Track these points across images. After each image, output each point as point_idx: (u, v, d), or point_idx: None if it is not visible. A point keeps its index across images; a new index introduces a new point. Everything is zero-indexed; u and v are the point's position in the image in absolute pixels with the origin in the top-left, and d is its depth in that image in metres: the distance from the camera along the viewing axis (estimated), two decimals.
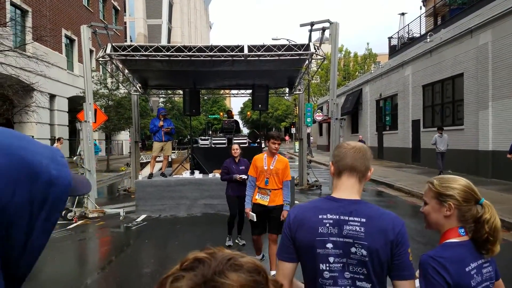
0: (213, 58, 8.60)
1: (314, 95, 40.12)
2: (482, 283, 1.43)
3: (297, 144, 20.53)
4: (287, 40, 18.96)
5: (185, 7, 65.72)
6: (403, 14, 30.14)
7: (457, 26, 14.98)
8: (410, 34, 23.81)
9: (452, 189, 1.49)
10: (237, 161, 6.08)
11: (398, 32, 26.02)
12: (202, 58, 8.59)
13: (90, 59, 9.68)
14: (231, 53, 8.49)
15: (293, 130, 39.03)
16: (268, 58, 8.64)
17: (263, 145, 13.86)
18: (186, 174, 9.55)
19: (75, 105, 19.60)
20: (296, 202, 9.10)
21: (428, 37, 17.19)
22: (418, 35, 22.32)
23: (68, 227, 7.59)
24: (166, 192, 8.71)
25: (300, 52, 8.61)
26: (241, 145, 10.70)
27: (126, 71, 10.60)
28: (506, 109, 12.00)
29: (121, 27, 30.09)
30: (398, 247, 1.41)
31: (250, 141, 11.04)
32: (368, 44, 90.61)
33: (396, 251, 1.41)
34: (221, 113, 47.35)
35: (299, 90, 12.44)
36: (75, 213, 8.18)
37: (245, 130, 69.43)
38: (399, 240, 1.41)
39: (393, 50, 25.57)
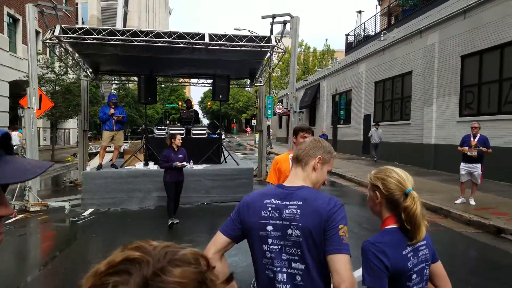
0: (171, 45, 8.32)
1: (275, 88, 40.45)
2: (418, 265, 1.52)
3: (257, 135, 20.66)
4: (249, 31, 18.89)
5: None
6: (360, 12, 31.08)
7: (408, 26, 15.71)
8: (365, 32, 24.62)
9: (380, 179, 1.59)
10: (176, 150, 6.73)
11: (354, 29, 26.81)
12: (160, 44, 8.28)
13: (36, 41, 9.01)
14: (191, 41, 8.27)
15: (253, 122, 39.17)
16: (230, 48, 8.52)
17: (223, 136, 13.75)
18: (139, 166, 9.26)
19: (18, 90, 18.25)
20: None
21: (382, 35, 17.88)
22: (373, 33, 23.14)
23: (6, 222, 7.11)
24: (117, 184, 8.37)
25: (262, 44, 8.59)
26: (200, 136, 10.92)
27: (76, 55, 10.01)
28: (448, 105, 12.83)
29: (72, 8, 28.33)
30: (328, 223, 1.47)
31: (210, 132, 10.92)
32: (326, 40, 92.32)
33: (326, 226, 1.47)
34: (180, 103, 46.27)
35: (260, 82, 12.45)
36: (14, 207, 7.64)
37: (205, 121, 68.76)
38: (331, 216, 1.48)
39: (350, 47, 26.34)
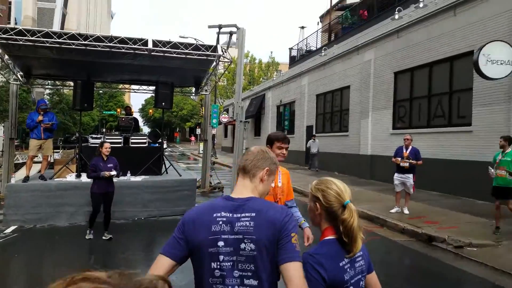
0: (112, 50, 7.90)
1: (220, 97, 40.39)
2: (355, 277, 1.53)
3: (201, 145, 20.32)
4: (195, 39, 18.64)
5: None
6: (303, 27, 32.28)
7: (347, 43, 16.59)
8: (308, 46, 25.58)
9: (321, 191, 1.61)
10: (105, 159, 6.43)
11: (297, 44, 27.75)
12: (99, 49, 7.82)
13: None
14: (134, 46, 7.93)
15: (198, 131, 38.62)
16: (175, 55, 8.36)
17: (165, 146, 13.21)
18: (70, 177, 8.55)
19: None
20: (196, 205, 8.90)
21: (322, 51, 18.68)
22: (315, 48, 24.10)
23: None
24: (44, 198, 7.62)
25: (208, 53, 8.53)
26: (140, 145, 10.42)
27: (6, 57, 9.11)
28: (382, 118, 13.67)
29: (5, 6, 26.05)
30: (281, 232, 1.44)
31: (150, 140, 10.46)
32: (271, 52, 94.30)
33: (280, 236, 1.44)
34: (118, 110, 44.14)
35: (206, 90, 12.28)
36: None
37: (145, 129, 66.45)
38: (283, 226, 1.45)
39: (293, 60, 27.17)
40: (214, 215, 1.49)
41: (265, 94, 27.30)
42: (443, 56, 10.89)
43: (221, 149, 39.12)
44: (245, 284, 1.43)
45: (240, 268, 1.44)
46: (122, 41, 7.94)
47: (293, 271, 1.40)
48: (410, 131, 11.02)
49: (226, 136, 38.76)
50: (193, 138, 47.23)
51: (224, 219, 1.48)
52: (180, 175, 9.82)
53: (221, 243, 1.44)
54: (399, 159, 8.12)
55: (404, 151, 8.18)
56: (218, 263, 1.44)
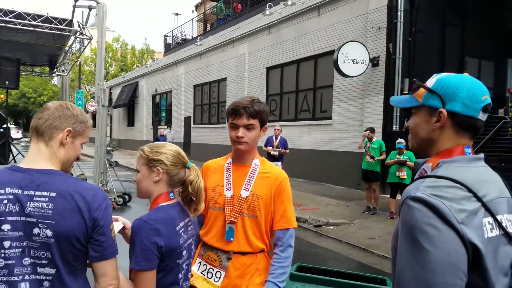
0: None
1: (87, 83, 36.55)
2: (187, 240, 1.53)
3: None
4: (47, 13, 16.14)
5: None
6: (177, 14, 31.46)
7: (222, 35, 16.68)
8: (183, 35, 24.99)
9: (161, 153, 1.51)
10: None
11: (172, 31, 26.86)
12: None
13: None
14: None
15: None
16: (21, 27, 7.23)
17: (20, 136, 11.07)
18: None
19: None
20: None
21: (198, 40, 18.40)
22: (191, 37, 23.67)
23: None
24: None
25: (62, 27, 7.58)
26: None
27: None
28: None
29: None
30: (96, 224, 1.25)
31: None
32: (146, 39, 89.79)
33: (94, 230, 1.26)
34: None
35: (63, 71, 10.78)
36: None
37: None
38: (98, 216, 1.26)
39: (168, 48, 26.23)
40: None
41: (138, 82, 25.64)
42: (309, 54, 11.80)
43: (88, 140, 35.49)
44: (39, 272, 1.21)
45: (32, 255, 1.21)
46: None
47: (109, 266, 1.28)
48: (280, 123, 11.67)
49: (94, 126, 35.27)
50: None
51: (11, 196, 1.19)
52: None
53: (6, 226, 1.17)
54: (270, 148, 8.54)
55: (274, 140, 8.65)
56: (3, 250, 1.18)
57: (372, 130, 7.65)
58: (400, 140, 7.00)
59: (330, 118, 11.05)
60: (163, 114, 22.43)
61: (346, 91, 10.51)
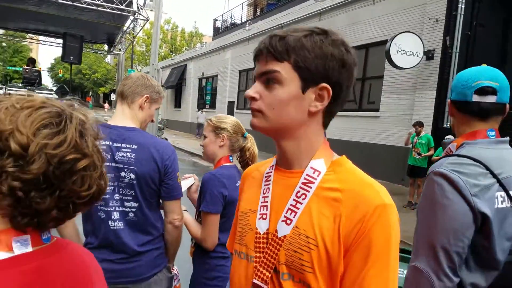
0: None
1: (139, 63, 38.01)
2: None
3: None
4: None
5: None
6: None
7: (271, 20, 16.63)
8: (232, 19, 25.13)
9: (226, 123, 1.82)
10: None
11: (222, 15, 27.10)
12: None
13: None
14: None
15: (112, 97, 35.97)
16: (85, 6, 7.64)
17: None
18: None
19: None
20: None
21: (247, 25, 18.47)
22: (240, 22, 23.78)
23: None
24: None
25: (122, 7, 7.92)
26: None
27: None
28: None
29: None
30: (165, 171, 1.60)
31: (57, 97, 9.48)
32: (195, 22, 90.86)
33: (165, 176, 1.60)
34: (25, 65, 38.67)
35: (120, 50, 11.36)
36: None
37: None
38: (168, 165, 1.60)
39: (217, 32, 26.53)
40: None
41: (186, 65, 26.30)
42: (360, 43, 11.42)
43: (160, 106, 37.10)
44: (126, 206, 1.58)
45: (121, 193, 1.57)
46: None
47: (175, 205, 1.67)
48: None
49: None
50: (106, 105, 43.69)
51: (105, 147, 1.42)
52: None
53: None
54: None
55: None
56: None
57: (420, 124, 7.43)
58: (448, 136, 6.75)
59: (377, 110, 10.79)
60: (208, 98, 22.94)
61: (397, 83, 10.19)
